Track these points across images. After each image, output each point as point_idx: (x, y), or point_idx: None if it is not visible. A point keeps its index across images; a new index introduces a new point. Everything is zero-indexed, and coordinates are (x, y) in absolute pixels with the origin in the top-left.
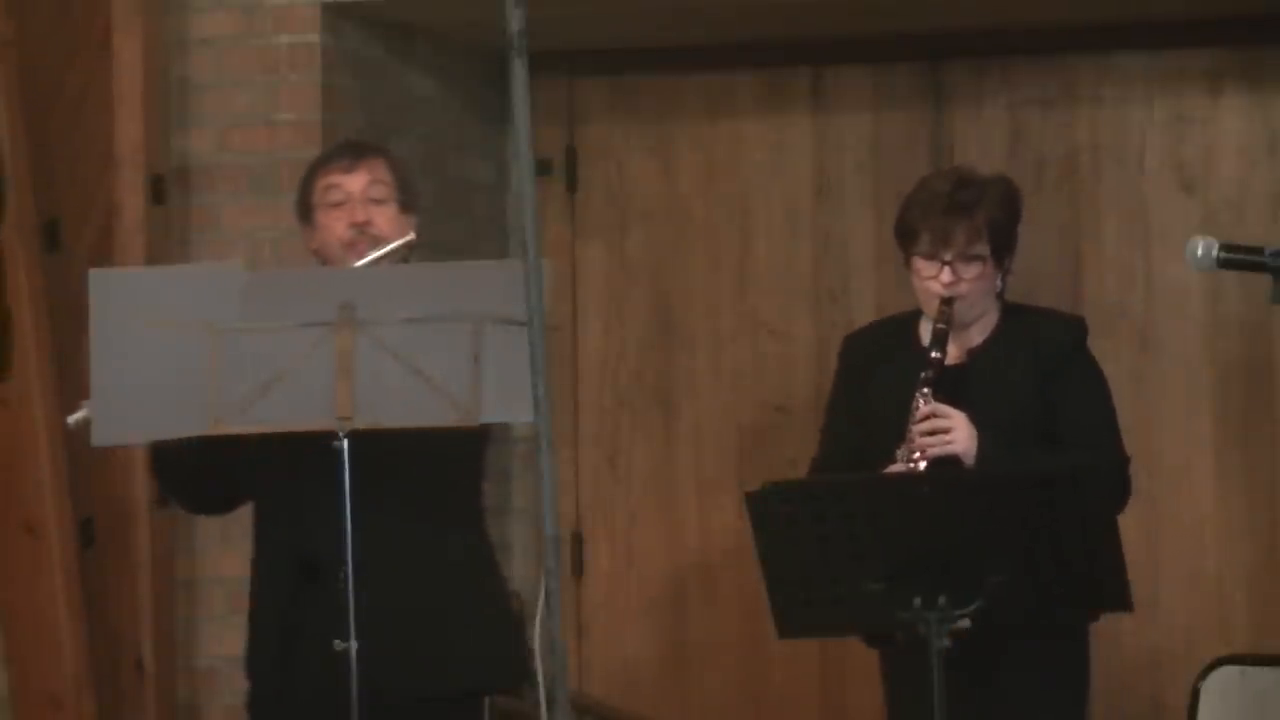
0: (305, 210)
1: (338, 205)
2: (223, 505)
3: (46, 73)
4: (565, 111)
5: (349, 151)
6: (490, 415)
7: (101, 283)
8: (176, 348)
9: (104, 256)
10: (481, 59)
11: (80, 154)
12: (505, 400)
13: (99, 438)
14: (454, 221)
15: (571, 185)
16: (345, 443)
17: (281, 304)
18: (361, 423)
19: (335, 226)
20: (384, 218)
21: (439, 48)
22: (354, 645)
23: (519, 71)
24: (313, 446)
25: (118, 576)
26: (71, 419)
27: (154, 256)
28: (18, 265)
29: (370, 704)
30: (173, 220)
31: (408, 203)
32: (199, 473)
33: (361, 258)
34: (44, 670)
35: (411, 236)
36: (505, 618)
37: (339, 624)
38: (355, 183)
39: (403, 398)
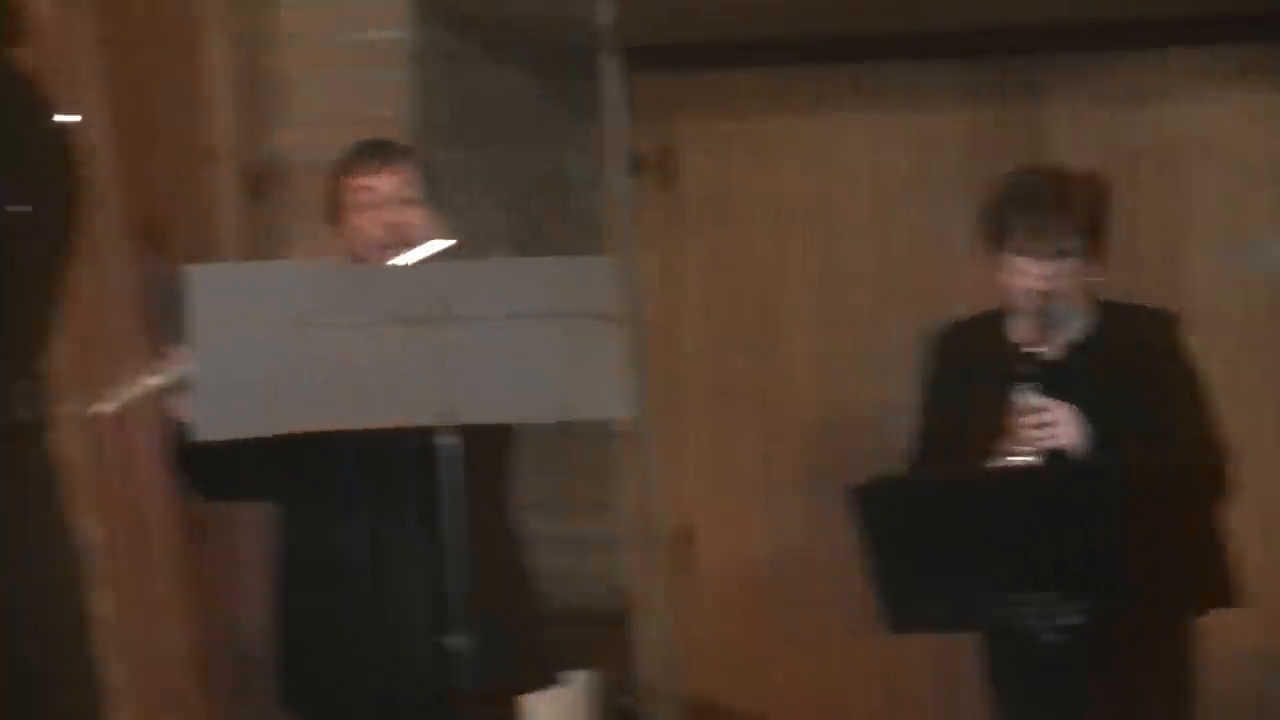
0: (333, 212)
1: (369, 207)
2: (250, 498)
3: (141, 70)
4: (663, 106)
5: (377, 152)
6: (588, 411)
7: (199, 279)
8: (274, 343)
9: (200, 253)
10: (575, 53)
11: (175, 151)
12: (603, 396)
13: (202, 432)
14: (548, 218)
15: (669, 180)
16: (442, 440)
17: (379, 299)
18: (460, 419)
19: (368, 228)
20: (417, 218)
21: (531, 42)
22: (460, 641)
23: (609, 67)
24: (358, 446)
25: (228, 571)
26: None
27: (249, 253)
28: (120, 263)
29: (418, 701)
30: (267, 217)
31: (436, 202)
32: (231, 466)
33: (395, 259)
34: (156, 666)
35: (452, 240)
36: (537, 617)
37: (369, 622)
38: (386, 184)
39: (500, 394)
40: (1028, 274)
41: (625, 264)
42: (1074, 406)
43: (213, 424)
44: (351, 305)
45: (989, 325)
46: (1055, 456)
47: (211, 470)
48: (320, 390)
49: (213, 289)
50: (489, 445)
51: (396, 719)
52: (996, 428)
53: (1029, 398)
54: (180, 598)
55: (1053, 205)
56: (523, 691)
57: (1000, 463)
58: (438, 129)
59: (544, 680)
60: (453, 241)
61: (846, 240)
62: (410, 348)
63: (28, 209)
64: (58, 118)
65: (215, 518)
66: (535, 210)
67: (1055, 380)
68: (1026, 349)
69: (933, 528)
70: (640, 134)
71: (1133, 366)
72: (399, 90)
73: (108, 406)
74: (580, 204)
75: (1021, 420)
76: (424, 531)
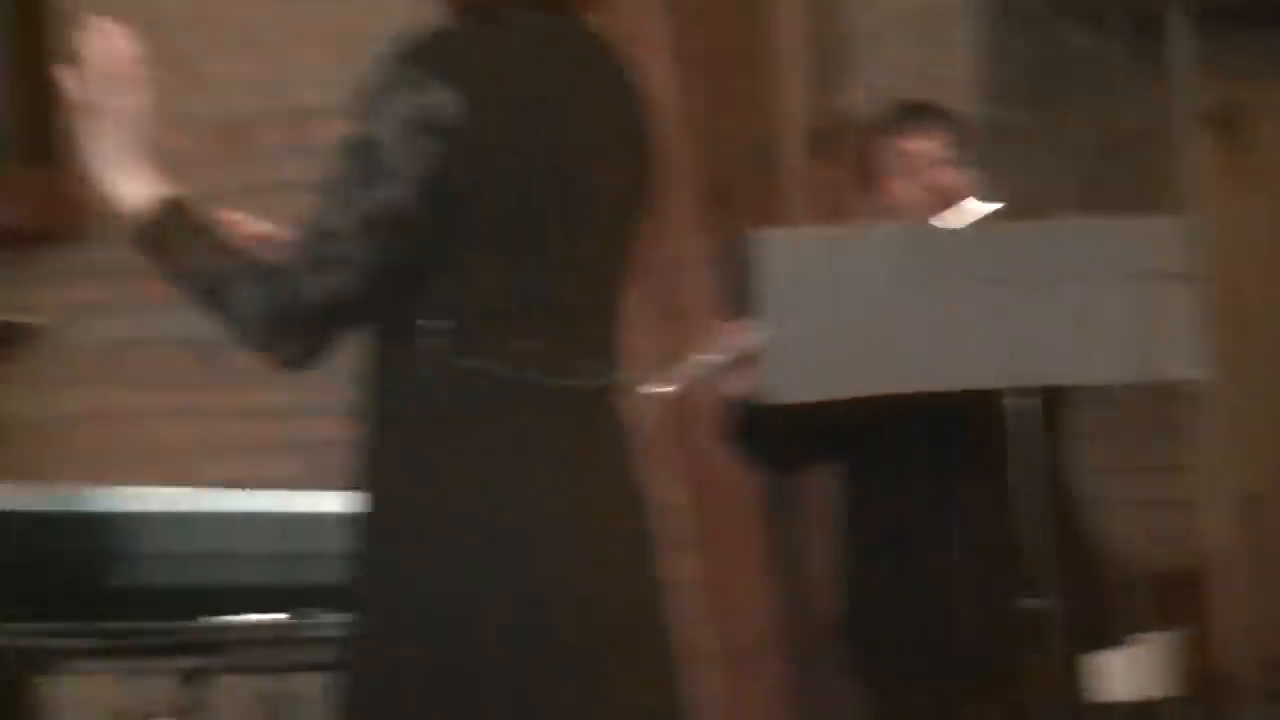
0: (868, 176)
1: (908, 170)
2: (808, 468)
3: (711, 34)
4: (1231, 66)
5: (914, 114)
6: (1160, 373)
7: (771, 242)
8: (844, 306)
9: (766, 217)
10: (1143, 12)
11: (746, 113)
12: (1175, 357)
13: (775, 395)
14: (1114, 177)
15: (1236, 140)
16: (1014, 402)
17: (947, 261)
18: (1030, 381)
19: (907, 191)
20: (957, 179)
21: (1098, 1)
22: (1034, 604)
23: (1178, 26)
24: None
25: (810, 536)
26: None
27: (816, 216)
28: (691, 227)
29: (986, 668)
30: (839, 179)
31: (974, 162)
32: (789, 437)
33: (937, 221)
34: (740, 628)
35: (996, 203)
36: (1103, 577)
37: (936, 590)
38: (924, 145)
39: (1070, 355)
40: None
41: (1193, 223)
42: None
43: (784, 388)
44: (921, 267)
45: None
46: None
47: (769, 442)
48: (889, 353)
49: (784, 253)
50: (1052, 406)
51: (963, 686)
52: None
53: None
54: (759, 562)
55: None
56: (1090, 651)
57: None
58: (1005, 89)
59: (1111, 640)
60: (998, 204)
61: None
62: (979, 309)
63: (611, 179)
64: (633, 82)
65: (793, 484)
66: (1101, 170)
67: None
68: None
69: None
70: (1207, 93)
71: None
72: (967, 51)
73: (666, 385)
74: (1146, 163)
75: None
76: (990, 495)
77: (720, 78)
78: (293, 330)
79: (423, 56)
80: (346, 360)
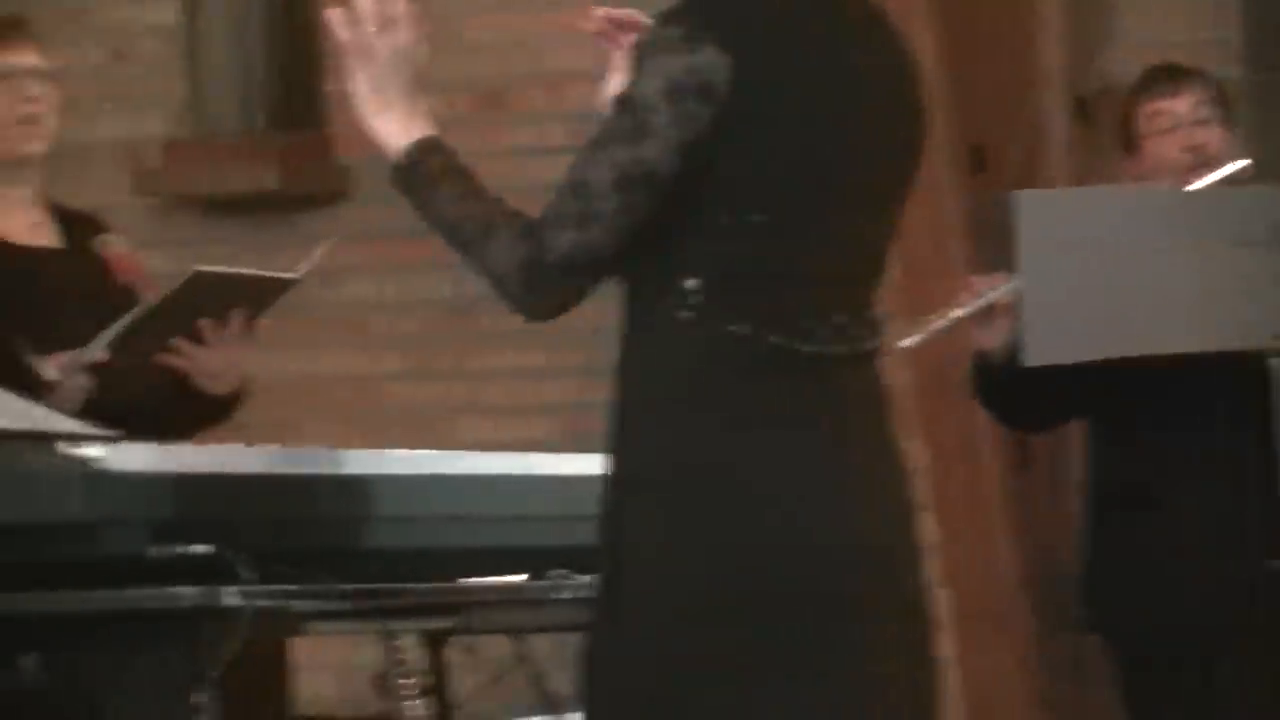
0: (1130, 139)
1: (1166, 131)
2: (1056, 424)
3: None
4: None
5: (1170, 75)
6: None
7: (1029, 204)
8: (1103, 268)
9: (1029, 178)
10: None
11: (1003, 76)
12: None
13: (1031, 358)
14: None
15: None
16: (1273, 362)
17: (1211, 223)
18: None
19: (1166, 152)
20: (1215, 138)
21: None
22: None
23: None
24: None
25: (1055, 496)
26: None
27: (1080, 177)
28: (946, 189)
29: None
30: (1098, 141)
31: (1231, 122)
32: (1036, 392)
33: (1194, 182)
34: (983, 590)
35: (1249, 161)
36: None
37: (1186, 548)
38: (1181, 106)
39: None
40: None
41: None
42: None
43: (1042, 350)
44: (1181, 228)
45: None
46: None
47: (1017, 397)
48: (1149, 315)
49: (1041, 214)
50: None
51: (1211, 645)
52: None
53: None
54: (1006, 522)
55: None
56: None
57: None
58: (1266, 51)
59: None
60: (1248, 161)
61: None
62: (1244, 270)
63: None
64: (904, 46)
65: (1041, 442)
66: None
67: None
68: None
69: None
70: None
71: None
72: (1228, 12)
73: (914, 340)
74: None
75: None
76: (1238, 455)
77: (978, 39)
78: (542, 282)
79: (698, 18)
80: (600, 322)
